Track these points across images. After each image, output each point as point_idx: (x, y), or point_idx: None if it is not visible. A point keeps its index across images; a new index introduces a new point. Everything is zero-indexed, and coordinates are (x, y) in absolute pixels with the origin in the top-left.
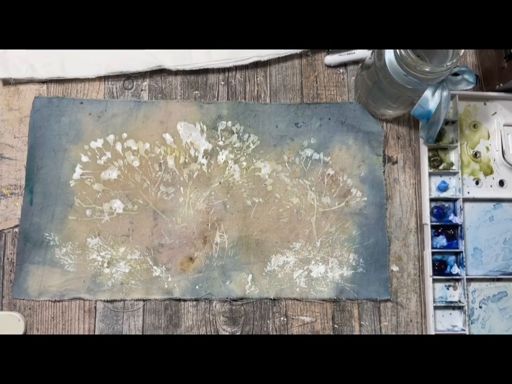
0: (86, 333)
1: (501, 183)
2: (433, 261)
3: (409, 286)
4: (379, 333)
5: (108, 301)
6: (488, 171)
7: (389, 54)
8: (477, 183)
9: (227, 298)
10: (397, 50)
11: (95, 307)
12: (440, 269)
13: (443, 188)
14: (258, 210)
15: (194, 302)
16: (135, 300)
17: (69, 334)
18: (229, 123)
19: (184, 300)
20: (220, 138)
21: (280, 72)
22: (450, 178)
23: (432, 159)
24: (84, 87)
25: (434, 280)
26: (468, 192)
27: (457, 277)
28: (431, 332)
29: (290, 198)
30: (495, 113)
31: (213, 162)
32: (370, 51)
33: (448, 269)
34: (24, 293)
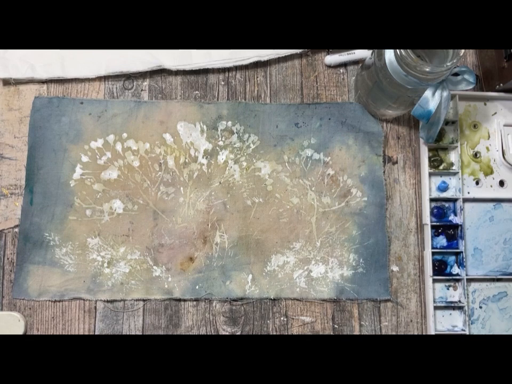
0: (86, 333)
1: (501, 183)
2: (433, 261)
3: (409, 286)
4: (379, 333)
5: (108, 301)
6: (488, 171)
7: (389, 54)
8: (477, 183)
9: (227, 298)
10: (397, 50)
11: (95, 307)
12: (440, 269)
13: (443, 188)
14: (258, 210)
15: (194, 302)
16: (135, 299)
17: (69, 334)
18: (229, 123)
19: (184, 300)
20: (220, 138)
21: (280, 72)
22: (450, 178)
23: (432, 159)
24: (83, 87)
25: (434, 280)
26: (468, 192)
27: (457, 277)
28: (431, 332)
29: (290, 198)
30: (495, 113)
31: (213, 162)
32: (370, 51)
33: (448, 269)
34: (24, 293)
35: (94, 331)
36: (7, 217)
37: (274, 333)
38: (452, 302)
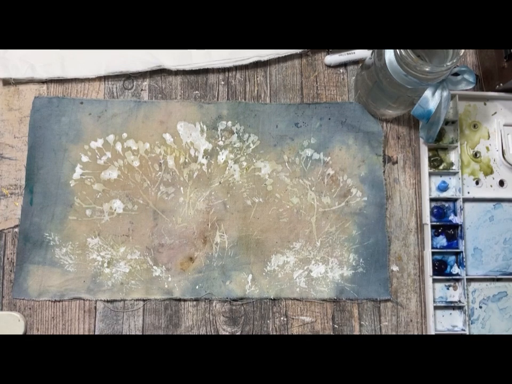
0: (86, 333)
1: (501, 183)
2: (433, 261)
3: (409, 286)
4: (379, 333)
5: (108, 301)
6: (488, 171)
7: (389, 54)
8: (477, 183)
9: (227, 298)
10: (397, 50)
11: (95, 307)
12: (440, 269)
13: (443, 187)
14: (258, 210)
15: (194, 302)
16: (135, 299)
17: (69, 334)
18: (229, 123)
19: (184, 300)
20: (220, 138)
21: (280, 72)
22: (450, 178)
23: (432, 159)
24: (83, 87)
25: (434, 280)
26: (468, 192)
27: (457, 277)
28: (431, 332)
29: (290, 198)
30: (495, 113)
31: (213, 162)
32: (370, 51)
33: (448, 269)
34: (24, 293)
35: (94, 331)
36: (7, 217)
37: (274, 333)
38: (452, 302)
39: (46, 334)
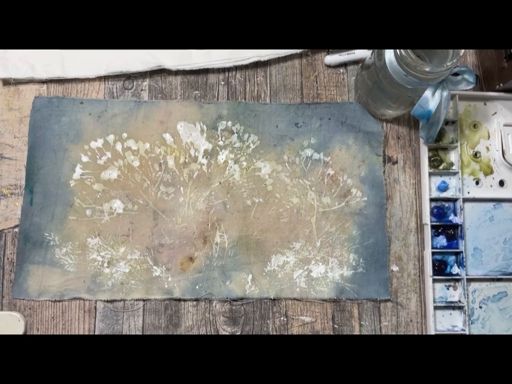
0: (86, 333)
1: (501, 183)
2: (433, 261)
3: (409, 286)
4: (379, 333)
5: (108, 301)
6: (488, 171)
7: (389, 54)
8: (477, 183)
9: (227, 298)
10: (397, 50)
11: (95, 307)
12: (440, 269)
13: (443, 188)
14: (258, 210)
15: (194, 302)
16: (135, 299)
17: (69, 334)
18: (229, 123)
19: (184, 300)
20: (220, 138)
21: (280, 72)
22: (450, 178)
23: (432, 159)
24: (83, 87)
25: (434, 280)
26: (468, 192)
27: (457, 277)
28: (431, 332)
29: (290, 198)
30: (495, 113)
31: (213, 162)
32: (370, 51)
33: (448, 269)
34: (24, 293)
35: (94, 331)
36: (7, 217)
37: (274, 333)
38: (452, 302)
39: (46, 334)
